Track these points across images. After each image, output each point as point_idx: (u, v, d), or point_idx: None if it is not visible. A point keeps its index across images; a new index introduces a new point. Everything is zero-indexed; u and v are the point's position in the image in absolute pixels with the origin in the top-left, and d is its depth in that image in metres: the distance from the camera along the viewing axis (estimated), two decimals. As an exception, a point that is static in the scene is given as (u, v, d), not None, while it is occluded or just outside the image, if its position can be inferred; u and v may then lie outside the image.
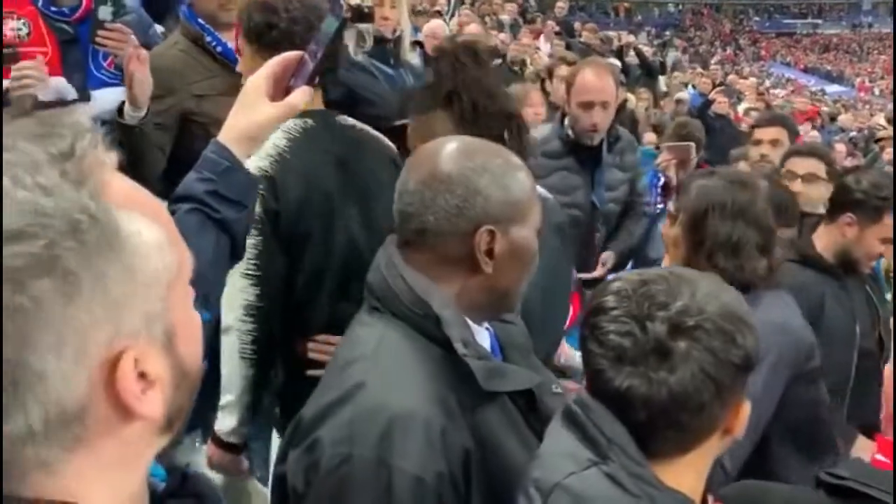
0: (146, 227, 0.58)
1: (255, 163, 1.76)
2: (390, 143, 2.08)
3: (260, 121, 1.22)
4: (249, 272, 1.82)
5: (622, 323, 1.08)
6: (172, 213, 1.18)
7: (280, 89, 1.23)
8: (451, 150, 1.26)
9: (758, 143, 3.53)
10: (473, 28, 6.43)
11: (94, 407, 0.55)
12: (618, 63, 9.11)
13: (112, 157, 0.58)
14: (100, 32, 2.49)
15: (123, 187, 0.59)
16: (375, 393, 1.15)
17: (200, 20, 2.46)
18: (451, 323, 1.18)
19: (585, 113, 3.05)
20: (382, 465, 1.10)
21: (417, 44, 4.36)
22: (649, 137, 8.32)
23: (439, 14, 8.88)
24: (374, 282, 1.27)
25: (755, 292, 1.81)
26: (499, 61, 7.64)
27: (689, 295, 1.09)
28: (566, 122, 3.18)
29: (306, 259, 1.89)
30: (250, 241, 1.73)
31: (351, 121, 2.03)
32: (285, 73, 1.24)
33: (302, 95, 1.22)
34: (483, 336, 1.30)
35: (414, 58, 3.35)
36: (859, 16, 42.96)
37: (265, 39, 1.84)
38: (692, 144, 3.89)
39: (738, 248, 1.84)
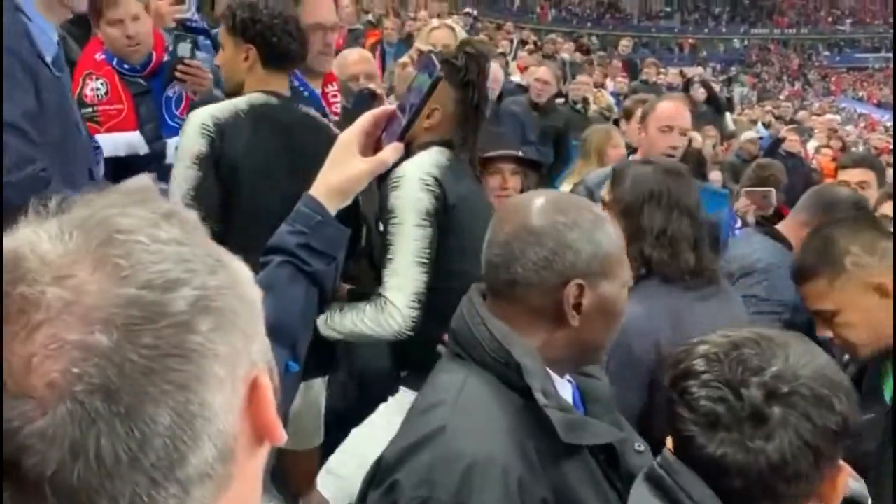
0: (243, 265, 0.62)
1: (211, 112, 2.12)
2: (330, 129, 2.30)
3: (352, 176, 1.24)
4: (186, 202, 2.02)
5: (714, 388, 1.06)
6: (265, 264, 1.23)
7: (370, 144, 1.25)
8: (541, 203, 1.28)
9: (845, 186, 3.38)
10: (544, 71, 6.35)
11: (241, 439, 0.58)
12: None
13: (193, 213, 0.61)
14: (179, 68, 2.59)
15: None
16: (456, 438, 1.17)
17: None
18: (532, 372, 1.19)
19: (664, 136, 3.08)
20: None
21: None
22: (715, 176, 8.14)
23: (503, 55, 8.94)
24: (458, 329, 1.29)
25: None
26: (561, 100, 7.62)
27: (783, 359, 1.07)
28: (632, 157, 3.17)
29: (237, 203, 2.10)
30: (192, 173, 2.08)
31: (307, 110, 2.32)
32: (376, 128, 1.26)
33: (393, 152, 1.22)
34: (565, 389, 1.31)
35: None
36: (936, 49, 41.60)
37: (249, 33, 2.20)
38: (772, 190, 3.75)
39: (672, 239, 1.84)
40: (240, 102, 2.18)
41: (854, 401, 1.09)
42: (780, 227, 2.80)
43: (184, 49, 2.65)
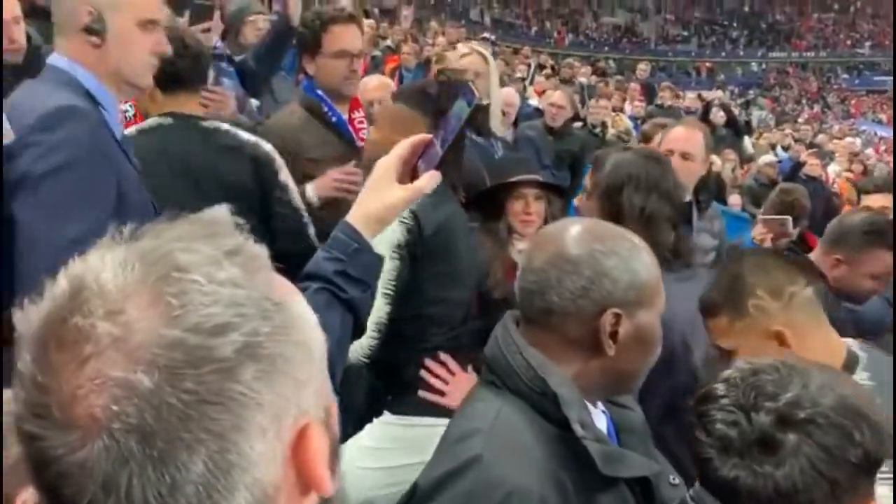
0: (305, 308, 0.61)
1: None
2: (260, 147, 2.35)
3: (389, 203, 1.25)
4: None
5: (729, 412, 1.08)
6: (302, 290, 1.20)
7: (407, 171, 1.26)
8: (578, 231, 1.27)
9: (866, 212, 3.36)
10: (559, 95, 6.39)
11: (284, 489, 0.57)
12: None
13: (263, 249, 0.61)
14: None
15: (277, 275, 0.61)
16: (492, 467, 1.16)
17: (319, 91, 2.66)
18: (569, 402, 1.18)
19: (675, 162, 2.98)
20: None
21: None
22: (734, 200, 8.10)
23: (521, 80, 8.98)
24: (492, 357, 1.28)
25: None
26: (579, 124, 7.64)
27: (801, 386, 1.07)
28: None
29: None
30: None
31: (218, 124, 2.36)
32: (413, 155, 1.27)
33: (431, 180, 1.23)
34: (600, 419, 1.30)
35: (503, 129, 3.34)
36: (956, 71, 41.32)
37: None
38: (789, 218, 3.71)
39: (650, 220, 1.87)
40: (133, 129, 2.29)
41: (883, 433, 1.06)
42: (813, 257, 2.73)
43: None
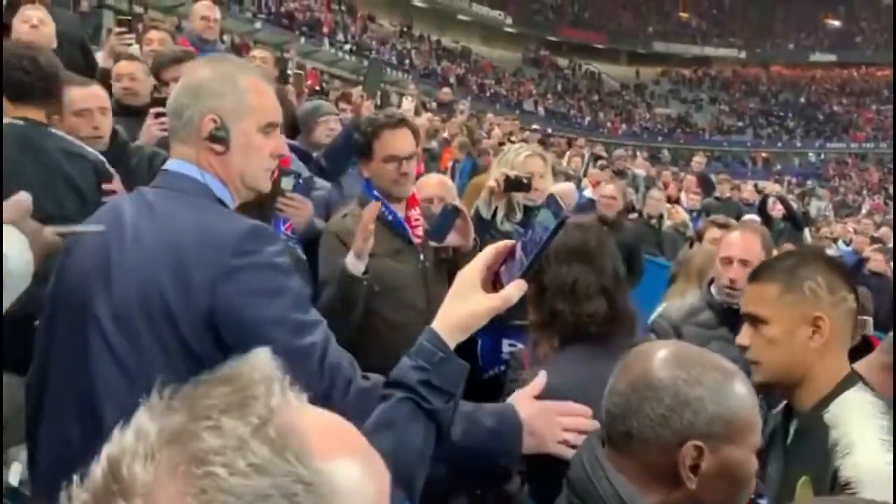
0: (348, 468, 0.58)
1: None
2: (100, 159, 2.67)
3: (475, 312, 1.24)
4: None
5: None
6: (385, 397, 1.24)
7: (489, 278, 1.27)
8: (666, 355, 1.23)
9: None
10: (611, 187, 6.45)
11: None
12: (758, 219, 8.84)
13: (301, 398, 0.60)
14: (281, 200, 2.75)
15: (318, 430, 0.59)
16: None
17: (376, 192, 2.75)
18: None
19: (724, 268, 2.99)
20: None
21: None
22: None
23: (578, 180, 9.06)
24: (577, 479, 1.24)
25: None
26: (635, 216, 7.63)
27: None
28: (713, 289, 3.08)
29: None
30: None
31: (62, 133, 2.63)
32: (497, 262, 1.28)
33: (517, 289, 1.23)
34: None
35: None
36: None
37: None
38: (868, 320, 3.56)
39: (574, 288, 1.80)
40: None
41: None
42: (859, 366, 2.62)
43: (287, 183, 2.81)
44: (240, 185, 1.67)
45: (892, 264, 8.12)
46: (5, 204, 1.55)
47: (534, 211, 3.21)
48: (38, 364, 1.66)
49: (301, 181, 2.88)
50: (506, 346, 2.98)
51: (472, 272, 1.25)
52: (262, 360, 0.60)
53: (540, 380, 1.57)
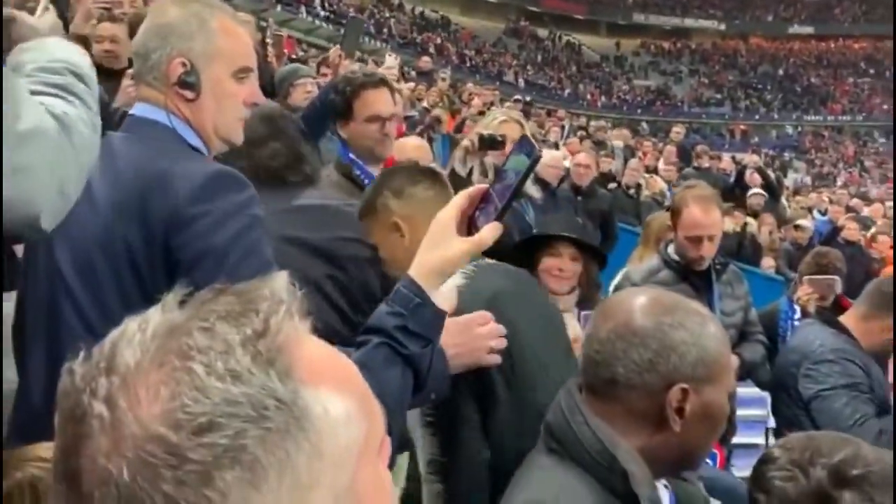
0: (334, 401, 0.57)
1: None
2: None
3: (451, 257, 1.24)
4: None
5: (786, 470, 1.17)
6: (362, 343, 1.23)
7: (464, 223, 1.26)
8: (645, 301, 1.25)
9: None
10: (583, 155, 6.49)
11: None
12: (763, 193, 8.89)
13: (306, 324, 0.59)
14: None
15: (313, 358, 0.58)
16: None
17: (352, 155, 2.71)
18: (640, 481, 1.16)
19: (694, 246, 3.07)
20: None
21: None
22: (767, 262, 8.01)
23: (556, 146, 9.07)
24: (555, 424, 1.26)
25: None
26: (613, 185, 7.67)
27: (854, 449, 1.16)
28: (670, 249, 3.19)
29: None
30: None
31: None
32: (471, 206, 1.27)
33: (492, 231, 1.22)
34: (664, 495, 1.27)
35: (535, 190, 3.38)
36: None
37: None
38: (837, 279, 3.66)
39: None
40: None
41: None
42: (843, 318, 2.78)
43: None
44: (212, 135, 1.59)
45: (865, 234, 8.25)
46: None
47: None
48: (16, 310, 1.61)
49: None
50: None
51: (446, 218, 1.25)
52: (279, 282, 0.60)
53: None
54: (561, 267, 2.61)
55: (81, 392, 0.54)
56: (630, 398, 1.20)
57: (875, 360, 2.70)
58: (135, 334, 0.56)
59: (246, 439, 0.52)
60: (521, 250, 2.64)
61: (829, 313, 2.99)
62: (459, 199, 1.27)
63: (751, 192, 8.68)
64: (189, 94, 1.54)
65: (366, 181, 2.66)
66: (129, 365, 0.54)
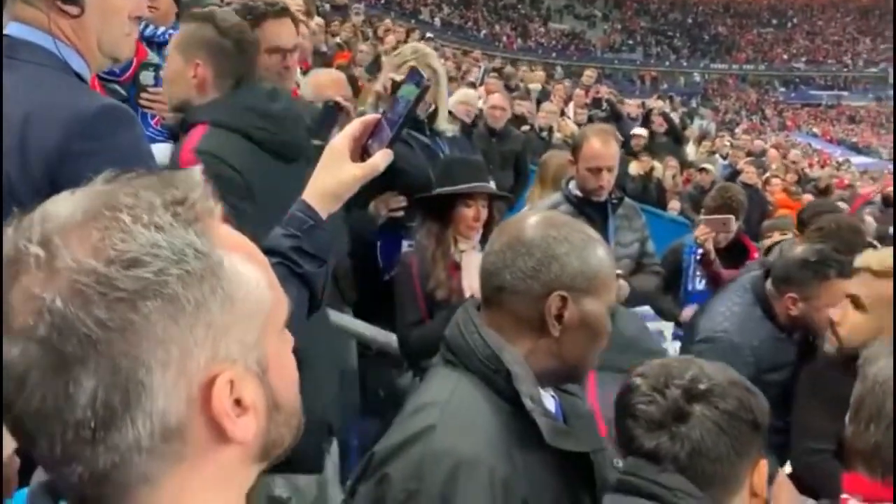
0: (245, 266, 0.65)
1: None
2: None
3: (344, 180, 1.29)
4: None
5: (647, 395, 1.30)
6: None
7: (357, 150, 1.30)
8: (537, 218, 1.36)
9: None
10: (498, 97, 6.53)
11: (193, 425, 0.61)
12: (644, 132, 9.18)
13: (219, 208, 0.66)
14: (143, 95, 2.60)
15: (229, 233, 0.66)
16: (445, 436, 1.22)
17: None
18: (521, 378, 1.25)
19: (594, 176, 3.26)
20: (445, 503, 1.17)
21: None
22: (674, 205, 8.33)
23: (472, 86, 9.06)
24: (451, 337, 1.35)
25: None
26: (527, 128, 7.75)
27: (699, 368, 1.32)
28: (571, 185, 3.36)
29: None
30: None
31: None
32: (364, 134, 1.31)
33: (384, 157, 1.28)
34: (549, 402, 1.36)
35: (450, 128, 3.38)
36: (886, 89, 43.08)
37: None
38: (732, 217, 3.83)
39: None
40: None
41: (763, 404, 1.32)
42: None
43: (146, 77, 2.63)
44: (97, 52, 1.51)
45: (761, 177, 8.65)
46: None
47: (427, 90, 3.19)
48: None
49: (161, 73, 2.71)
50: (405, 247, 3.04)
51: (340, 144, 1.30)
52: (195, 172, 0.66)
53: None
54: (476, 217, 2.71)
55: (18, 239, 0.60)
56: (515, 304, 1.30)
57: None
58: (66, 197, 0.62)
59: (167, 276, 0.59)
60: (434, 199, 2.74)
61: (726, 253, 3.04)
62: (353, 127, 1.31)
63: (633, 130, 9.03)
64: (73, 10, 1.45)
65: None
66: (62, 215, 0.60)
